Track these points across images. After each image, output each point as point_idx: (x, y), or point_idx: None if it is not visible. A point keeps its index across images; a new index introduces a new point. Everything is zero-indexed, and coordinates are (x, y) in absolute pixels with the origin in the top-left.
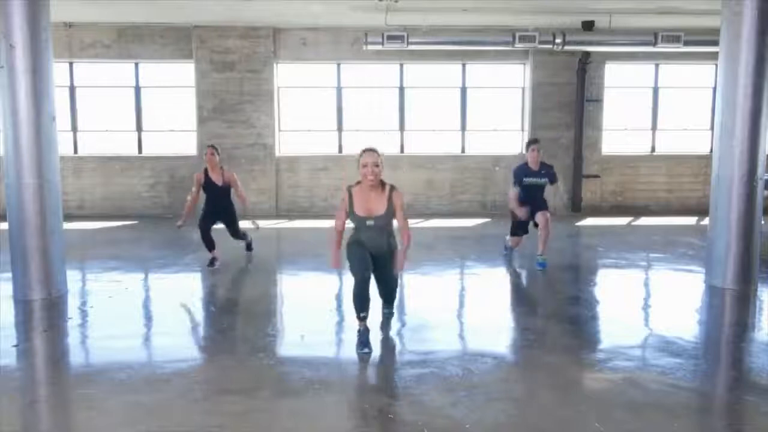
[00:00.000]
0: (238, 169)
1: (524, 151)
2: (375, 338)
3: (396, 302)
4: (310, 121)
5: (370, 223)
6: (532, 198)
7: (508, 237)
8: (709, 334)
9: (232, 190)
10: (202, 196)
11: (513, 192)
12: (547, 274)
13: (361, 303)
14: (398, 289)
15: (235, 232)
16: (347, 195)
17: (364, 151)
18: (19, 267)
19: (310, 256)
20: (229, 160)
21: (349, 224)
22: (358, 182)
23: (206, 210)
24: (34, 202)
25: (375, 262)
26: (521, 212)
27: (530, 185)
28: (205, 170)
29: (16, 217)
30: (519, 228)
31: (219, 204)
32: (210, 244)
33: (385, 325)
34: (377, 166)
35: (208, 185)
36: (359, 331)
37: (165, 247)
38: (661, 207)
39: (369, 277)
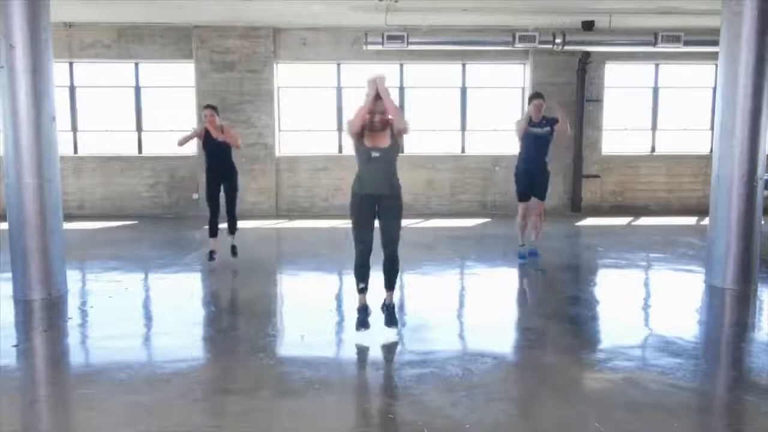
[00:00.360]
0: (239, 169)
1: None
2: (376, 338)
3: (396, 303)
4: (310, 121)
5: (375, 154)
6: (534, 155)
7: (516, 221)
8: (709, 334)
9: (234, 157)
10: (203, 163)
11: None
12: (547, 274)
13: (361, 273)
14: (398, 289)
15: (232, 204)
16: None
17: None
18: (19, 267)
19: (310, 256)
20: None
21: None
22: None
23: (209, 175)
24: (34, 202)
25: (378, 208)
26: (521, 210)
27: (532, 135)
28: (206, 130)
29: (16, 217)
30: (523, 188)
31: (221, 162)
32: (214, 228)
33: (388, 307)
34: (384, 113)
35: (209, 141)
36: (358, 308)
37: (165, 247)
38: (661, 207)
39: (370, 247)
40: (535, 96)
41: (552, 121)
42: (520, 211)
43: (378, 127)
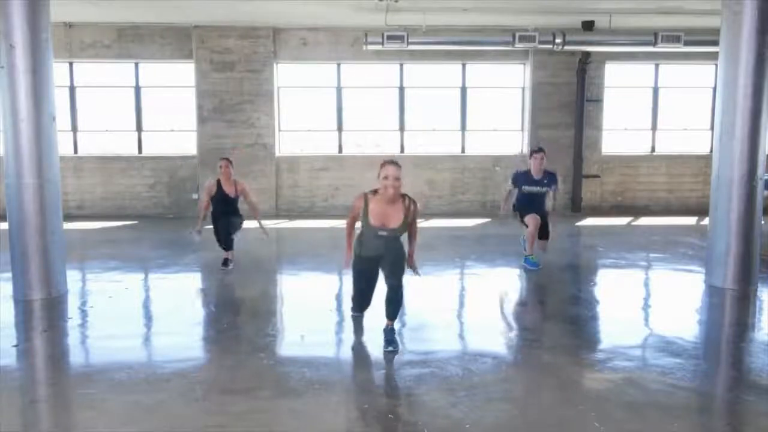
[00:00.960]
0: (239, 169)
1: (528, 158)
2: (376, 337)
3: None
4: (310, 121)
5: (382, 233)
6: (531, 204)
7: (522, 237)
8: (709, 334)
9: (241, 199)
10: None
11: (506, 188)
12: (547, 274)
13: (357, 318)
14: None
15: (229, 233)
16: (363, 202)
17: (386, 163)
18: (19, 267)
19: (310, 256)
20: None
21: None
22: (375, 191)
23: (214, 218)
24: (34, 202)
25: (380, 258)
26: (504, 207)
27: (530, 193)
28: (218, 181)
29: (16, 217)
30: (527, 205)
31: (227, 215)
32: (228, 245)
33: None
34: (398, 179)
35: (219, 196)
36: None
37: (165, 247)
38: (661, 207)
39: (369, 302)
40: (537, 150)
41: (552, 180)
42: (532, 222)
43: (390, 195)
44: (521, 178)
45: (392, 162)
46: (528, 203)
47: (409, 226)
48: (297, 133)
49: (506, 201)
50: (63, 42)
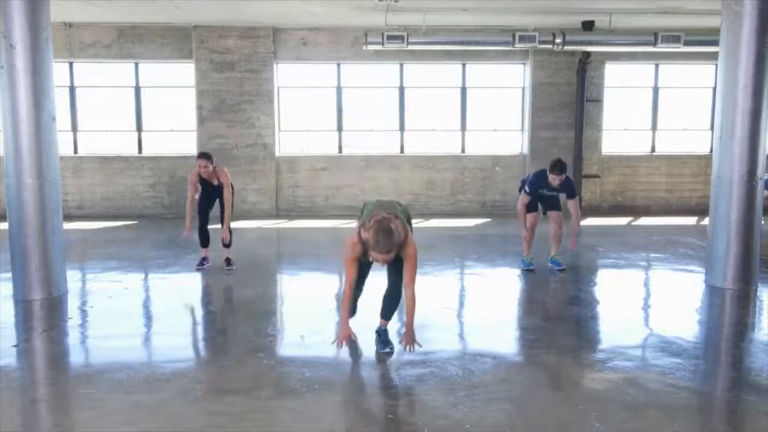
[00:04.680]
0: (239, 169)
1: (548, 172)
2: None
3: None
4: (310, 121)
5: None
6: (545, 203)
7: (522, 233)
8: (709, 334)
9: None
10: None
11: (522, 200)
12: (547, 274)
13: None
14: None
15: (223, 217)
16: (360, 246)
17: (374, 250)
18: (19, 267)
19: (310, 256)
20: (229, 159)
21: None
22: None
23: (202, 197)
24: (34, 202)
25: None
26: (529, 220)
27: (544, 195)
28: (199, 174)
29: (16, 217)
30: (530, 201)
31: (214, 195)
32: (205, 238)
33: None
34: (390, 255)
35: (203, 186)
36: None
37: (165, 247)
38: (661, 207)
39: (361, 292)
40: (559, 171)
41: (568, 184)
42: (529, 221)
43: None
44: (537, 181)
45: (382, 251)
46: (540, 197)
47: (404, 264)
48: (297, 133)
49: (524, 215)
50: (63, 42)
